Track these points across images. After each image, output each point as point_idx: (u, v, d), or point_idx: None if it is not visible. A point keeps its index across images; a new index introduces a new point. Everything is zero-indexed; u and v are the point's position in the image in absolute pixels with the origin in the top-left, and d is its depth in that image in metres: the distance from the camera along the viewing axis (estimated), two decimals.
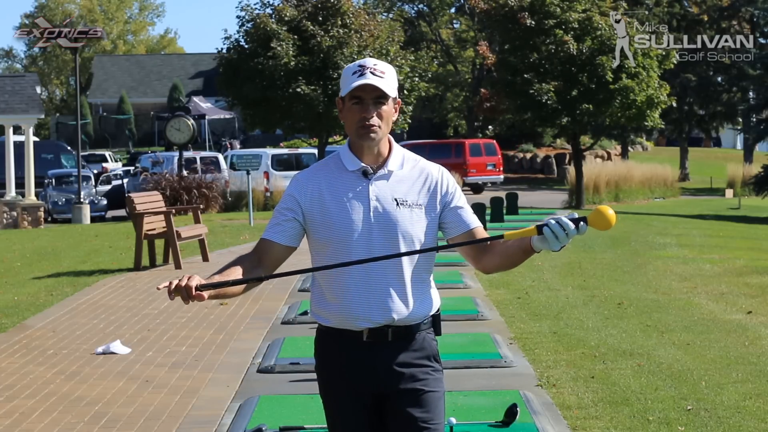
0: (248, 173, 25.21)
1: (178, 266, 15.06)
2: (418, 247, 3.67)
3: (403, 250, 3.65)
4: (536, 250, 3.58)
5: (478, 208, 20.44)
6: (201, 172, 31.41)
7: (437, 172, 3.76)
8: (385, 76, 3.63)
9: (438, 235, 3.78)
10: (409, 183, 3.71)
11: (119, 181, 36.99)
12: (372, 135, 3.64)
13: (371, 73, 3.61)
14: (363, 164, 3.69)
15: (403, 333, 3.69)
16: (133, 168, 38.20)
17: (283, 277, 3.67)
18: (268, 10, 31.58)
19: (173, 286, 3.42)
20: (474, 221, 3.74)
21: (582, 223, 3.50)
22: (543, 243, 3.54)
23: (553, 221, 3.50)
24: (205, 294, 3.46)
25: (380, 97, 3.63)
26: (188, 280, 3.43)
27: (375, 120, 3.63)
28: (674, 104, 39.51)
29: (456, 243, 3.73)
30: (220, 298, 3.62)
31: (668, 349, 8.96)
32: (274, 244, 3.70)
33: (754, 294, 12.39)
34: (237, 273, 3.59)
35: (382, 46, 31.36)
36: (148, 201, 16.26)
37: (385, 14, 53.30)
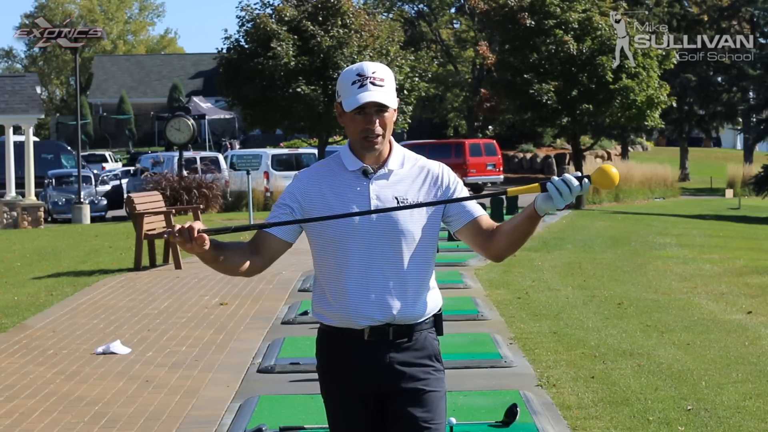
0: (248, 173, 25.19)
1: (178, 266, 15.06)
2: (418, 243, 3.68)
3: (404, 248, 3.66)
4: (540, 214, 3.57)
5: None
6: (201, 172, 31.41)
7: (437, 168, 3.77)
8: (385, 84, 3.64)
9: (440, 234, 3.78)
10: (409, 181, 3.71)
11: (116, 182, 36.95)
12: (376, 146, 3.67)
13: (371, 83, 3.62)
14: (363, 164, 3.70)
15: (404, 332, 3.70)
16: (133, 168, 38.17)
17: (287, 225, 3.63)
18: (268, 10, 31.58)
19: (177, 229, 3.47)
20: (478, 210, 3.73)
21: (585, 180, 3.51)
22: (547, 202, 3.53)
23: (556, 178, 3.52)
24: (207, 239, 3.49)
25: (383, 107, 3.65)
26: (192, 223, 3.49)
27: (378, 130, 3.65)
28: (674, 104, 39.54)
29: (463, 198, 3.70)
30: (216, 264, 3.63)
31: (668, 349, 8.96)
32: (271, 236, 3.71)
33: (754, 294, 12.39)
34: (235, 250, 3.65)
35: (382, 46, 31.35)
36: (148, 201, 16.27)
37: (385, 14, 53.29)
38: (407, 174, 3.73)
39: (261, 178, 32.30)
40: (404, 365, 3.69)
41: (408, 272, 3.67)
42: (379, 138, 3.66)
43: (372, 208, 3.65)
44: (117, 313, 11.31)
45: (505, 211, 23.88)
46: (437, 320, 3.79)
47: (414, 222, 3.67)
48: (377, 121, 3.64)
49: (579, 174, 3.53)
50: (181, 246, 3.50)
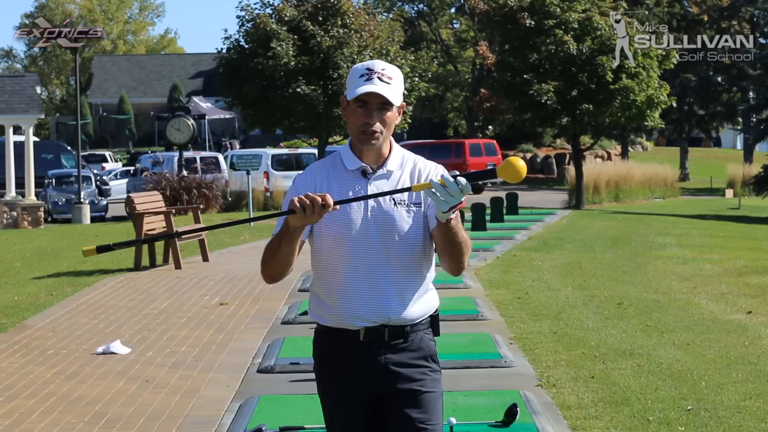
0: (248, 173, 25.22)
1: (178, 266, 15.06)
2: (415, 245, 3.68)
3: (400, 250, 3.66)
4: (441, 220, 3.52)
5: (478, 208, 20.40)
6: (201, 172, 31.40)
7: (434, 170, 3.76)
8: (392, 82, 3.65)
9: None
10: (408, 183, 3.71)
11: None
12: (373, 141, 3.67)
13: (378, 78, 3.63)
14: (363, 164, 3.70)
15: (399, 333, 3.70)
16: (133, 168, 38.14)
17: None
18: (268, 10, 31.57)
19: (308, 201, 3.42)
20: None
21: (460, 178, 3.42)
22: (437, 208, 3.48)
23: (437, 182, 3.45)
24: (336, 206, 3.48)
25: (385, 103, 3.65)
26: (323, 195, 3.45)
27: (377, 126, 3.66)
28: (674, 104, 39.49)
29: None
30: (289, 250, 3.57)
31: (668, 349, 8.96)
32: None
33: (754, 294, 12.39)
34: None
35: (382, 46, 31.34)
36: (148, 201, 16.26)
37: (385, 14, 53.29)
38: (406, 175, 3.72)
39: (261, 178, 32.32)
40: (400, 366, 3.69)
41: (403, 274, 3.67)
42: (377, 134, 3.65)
43: (369, 208, 3.66)
44: (117, 313, 11.31)
45: (505, 212, 23.86)
46: (434, 321, 3.79)
47: (410, 223, 3.67)
48: (378, 117, 3.64)
49: (456, 172, 3.45)
50: (309, 211, 3.43)
